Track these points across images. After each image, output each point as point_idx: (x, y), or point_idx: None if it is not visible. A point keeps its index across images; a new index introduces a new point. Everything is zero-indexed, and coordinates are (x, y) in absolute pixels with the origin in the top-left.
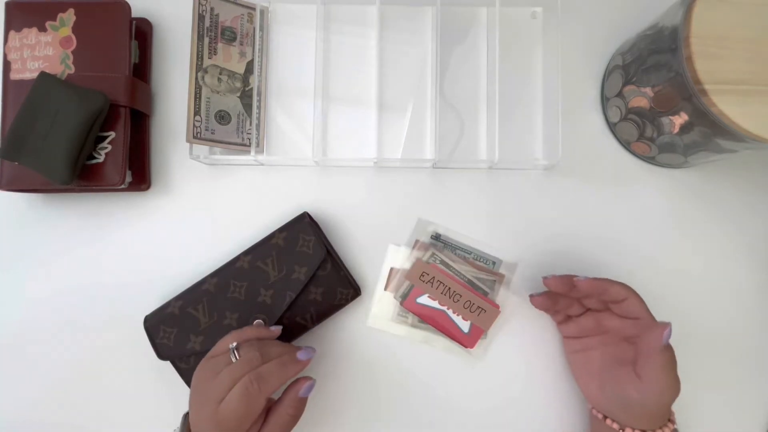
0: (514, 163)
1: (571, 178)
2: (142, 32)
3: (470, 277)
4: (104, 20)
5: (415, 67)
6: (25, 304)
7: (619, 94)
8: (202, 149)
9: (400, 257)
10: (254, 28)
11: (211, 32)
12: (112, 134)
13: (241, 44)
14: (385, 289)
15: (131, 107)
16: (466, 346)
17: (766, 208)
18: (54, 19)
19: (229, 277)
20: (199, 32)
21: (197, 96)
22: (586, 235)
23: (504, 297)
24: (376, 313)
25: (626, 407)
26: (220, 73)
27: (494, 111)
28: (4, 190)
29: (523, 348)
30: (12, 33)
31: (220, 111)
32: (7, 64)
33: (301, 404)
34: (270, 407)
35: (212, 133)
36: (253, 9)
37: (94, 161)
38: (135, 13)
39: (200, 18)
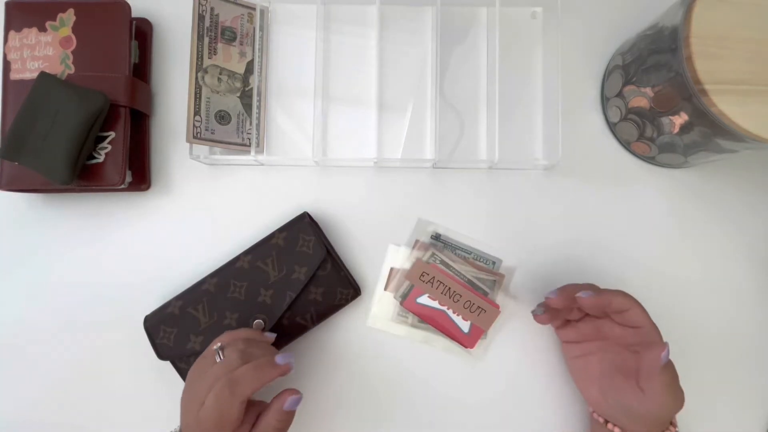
0: (514, 163)
1: (571, 178)
2: (142, 32)
3: (470, 277)
4: (104, 20)
5: (415, 67)
6: (25, 304)
7: (619, 94)
8: (202, 149)
9: (400, 257)
10: (254, 28)
11: (211, 32)
12: (112, 134)
13: (241, 44)
14: (385, 289)
15: (131, 107)
16: (466, 346)
17: (766, 208)
18: (54, 19)
19: (229, 277)
20: (199, 32)
21: (197, 96)
22: (586, 235)
23: (504, 297)
24: (376, 313)
25: (628, 413)
26: (220, 73)
27: (494, 111)
28: (4, 190)
29: (523, 348)
30: (12, 33)
31: (220, 111)
32: (7, 64)
33: (286, 417)
34: (261, 412)
35: (212, 133)
36: (253, 9)
37: (94, 161)
38: (135, 13)
39: (200, 18)
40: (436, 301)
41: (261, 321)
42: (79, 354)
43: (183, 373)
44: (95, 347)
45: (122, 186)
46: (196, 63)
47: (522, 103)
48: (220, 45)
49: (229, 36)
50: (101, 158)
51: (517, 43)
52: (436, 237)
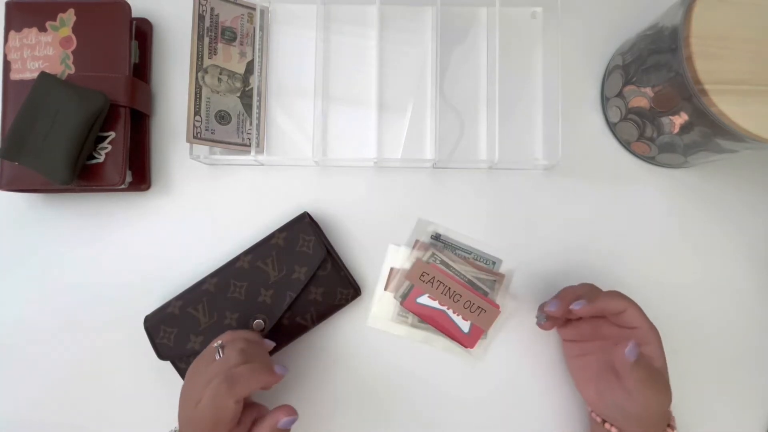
0: (514, 163)
1: (571, 178)
2: (142, 32)
3: (470, 277)
4: (104, 20)
5: (415, 67)
6: (25, 304)
7: (619, 94)
8: (202, 149)
9: (400, 257)
10: (254, 28)
11: (211, 32)
12: (112, 134)
13: (241, 44)
14: (385, 289)
15: (131, 107)
16: (466, 346)
17: (766, 208)
18: (54, 19)
19: (229, 277)
20: (199, 32)
21: (197, 96)
22: (586, 235)
23: (504, 297)
24: (376, 313)
25: (622, 413)
26: (220, 73)
27: (494, 111)
28: (4, 190)
29: (523, 348)
30: (12, 33)
31: (220, 111)
32: (7, 64)
33: None
34: (257, 419)
35: (212, 133)
36: (253, 9)
37: (94, 161)
38: (135, 13)
39: (200, 18)
40: (436, 301)
41: (261, 321)
42: (79, 354)
43: (183, 373)
44: (95, 347)
45: (122, 186)
46: (196, 63)
47: (522, 103)
48: (220, 45)
49: (229, 36)
50: (101, 158)
51: (517, 43)
52: (436, 237)
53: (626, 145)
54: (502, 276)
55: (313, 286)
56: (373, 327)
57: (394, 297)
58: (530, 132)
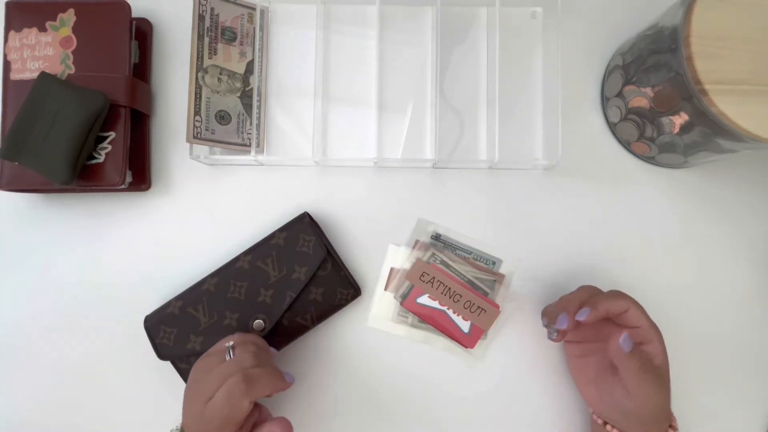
0: (514, 163)
1: (571, 178)
2: (142, 32)
3: (470, 277)
4: (104, 20)
5: (415, 67)
6: (25, 304)
7: (619, 94)
8: (202, 149)
9: (400, 257)
10: (254, 28)
11: (211, 32)
12: (112, 134)
13: (241, 44)
14: (385, 289)
15: (131, 107)
16: (466, 346)
17: (766, 208)
18: (54, 19)
19: (229, 277)
20: (199, 32)
21: (197, 96)
22: (586, 235)
23: (504, 297)
24: (376, 313)
25: (623, 414)
26: (220, 73)
27: (494, 111)
28: (4, 190)
29: (523, 348)
30: (12, 33)
31: (220, 111)
32: (7, 64)
33: None
34: (255, 424)
35: (212, 133)
36: (253, 9)
37: (94, 161)
38: (135, 13)
39: (200, 18)
40: (436, 301)
41: (261, 321)
42: (79, 354)
43: (183, 374)
44: (95, 347)
45: (122, 186)
46: (196, 63)
47: (522, 103)
48: (220, 45)
49: (229, 36)
50: (101, 158)
51: (517, 43)
52: (436, 237)
53: (626, 145)
54: (502, 276)
55: (313, 286)
56: (373, 327)
57: (394, 297)
58: (530, 132)
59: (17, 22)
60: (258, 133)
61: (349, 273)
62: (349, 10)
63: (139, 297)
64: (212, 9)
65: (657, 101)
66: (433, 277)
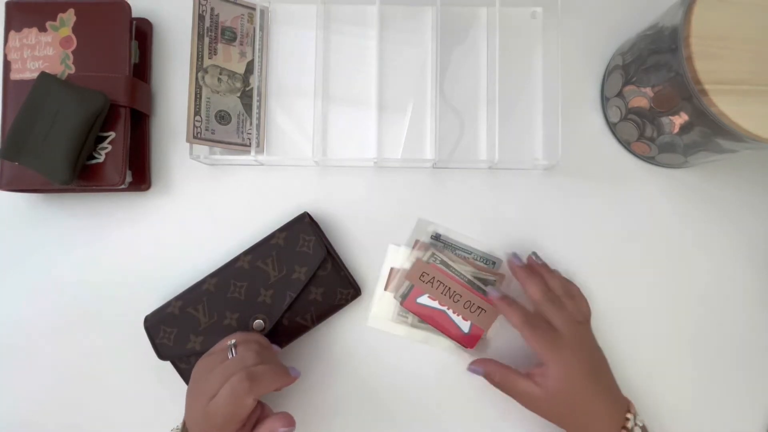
0: (514, 163)
1: (571, 178)
2: (142, 32)
3: (470, 277)
4: (104, 20)
5: (415, 67)
6: (25, 304)
7: (619, 94)
8: (202, 149)
9: (400, 257)
10: (254, 28)
11: (211, 32)
12: (112, 134)
13: (241, 44)
14: (385, 289)
15: (131, 107)
16: (465, 347)
17: (766, 208)
18: (54, 19)
19: (229, 277)
20: (199, 32)
21: (197, 96)
22: (586, 234)
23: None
24: (376, 313)
25: (560, 417)
26: (220, 73)
27: (494, 111)
28: (4, 190)
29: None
30: (12, 33)
31: (220, 111)
32: (7, 64)
33: None
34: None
35: (212, 133)
36: (253, 9)
37: (94, 161)
38: (135, 13)
39: (200, 18)
40: (436, 301)
41: (261, 321)
42: (80, 354)
43: (183, 374)
44: (95, 347)
45: (122, 186)
46: (196, 63)
47: (522, 103)
48: (220, 45)
49: (229, 36)
50: (101, 158)
51: (517, 43)
52: (436, 237)
53: (626, 145)
54: (502, 276)
55: (313, 286)
56: (373, 327)
57: (394, 297)
58: (530, 132)
59: (17, 22)
60: (258, 133)
61: (349, 273)
62: (349, 10)
63: (139, 297)
64: (212, 9)
65: (657, 101)
66: (433, 277)
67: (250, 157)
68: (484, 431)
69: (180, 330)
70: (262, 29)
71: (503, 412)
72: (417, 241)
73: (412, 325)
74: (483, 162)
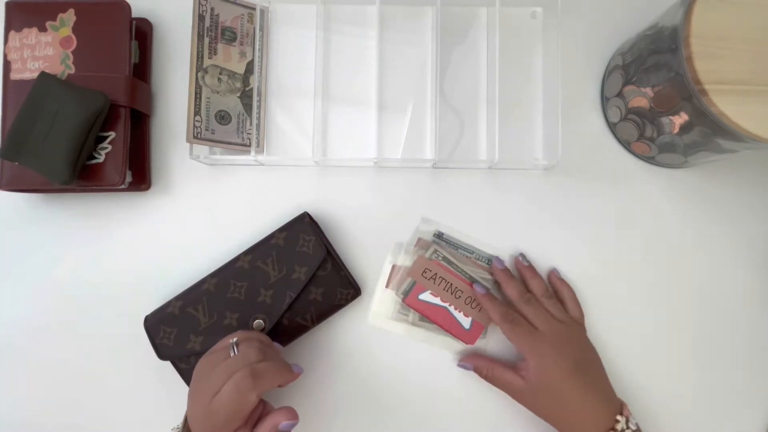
0: (514, 163)
1: (571, 178)
2: (142, 32)
3: (472, 274)
4: (104, 20)
5: (415, 67)
6: (25, 304)
7: (619, 94)
8: (202, 149)
9: (402, 254)
10: (254, 28)
11: (211, 32)
12: (112, 134)
13: (241, 44)
14: (387, 286)
15: (131, 107)
16: (466, 343)
17: (766, 208)
18: (54, 19)
19: (229, 277)
20: (199, 32)
21: (197, 96)
22: (586, 234)
23: (504, 297)
24: (377, 311)
25: (547, 412)
26: (220, 73)
27: (494, 111)
28: (4, 190)
29: None
30: (12, 33)
31: (220, 111)
32: (7, 64)
33: None
34: (259, 418)
35: (212, 133)
36: (253, 9)
37: (94, 161)
38: (135, 13)
39: (200, 18)
40: (438, 298)
41: (261, 321)
42: (80, 354)
43: (183, 373)
44: (95, 347)
45: (122, 186)
46: (196, 63)
47: (522, 103)
48: (220, 45)
49: (229, 36)
50: (101, 158)
51: (517, 43)
52: (439, 236)
53: (626, 145)
54: None
55: (313, 286)
56: (373, 324)
57: (396, 294)
58: (530, 132)
59: (17, 22)
60: (258, 133)
61: (349, 273)
62: (349, 10)
63: (139, 297)
64: (212, 9)
65: (657, 101)
66: (435, 274)
67: (250, 157)
68: (484, 430)
69: (180, 330)
70: (262, 29)
71: (503, 411)
72: (419, 240)
73: (413, 323)
74: (483, 162)
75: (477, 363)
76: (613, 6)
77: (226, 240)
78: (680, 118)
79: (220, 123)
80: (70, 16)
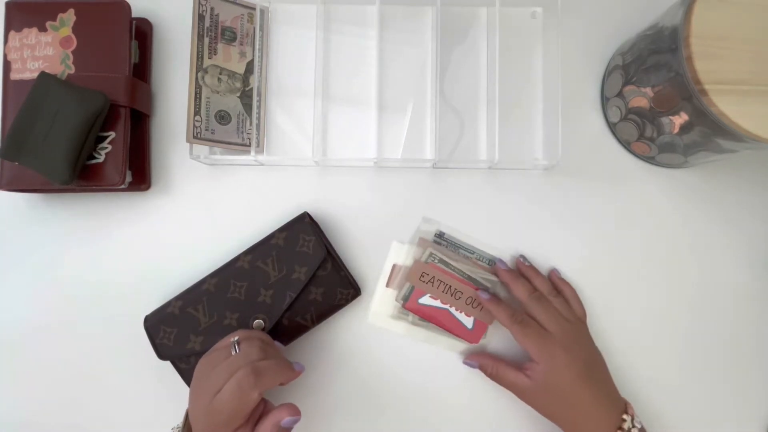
0: (514, 163)
1: (571, 178)
2: (142, 32)
3: (469, 273)
4: (104, 20)
5: (415, 67)
6: (25, 304)
7: (619, 94)
8: (202, 149)
9: (403, 254)
10: (254, 28)
11: (211, 32)
12: (112, 134)
13: (241, 44)
14: (387, 285)
15: (131, 107)
16: (470, 342)
17: (766, 208)
18: (54, 19)
19: (229, 277)
20: (199, 32)
21: (197, 96)
22: (586, 234)
23: (505, 297)
24: (377, 311)
25: (553, 412)
26: (220, 73)
27: (494, 111)
28: (4, 190)
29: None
30: (12, 33)
31: (220, 111)
32: (7, 64)
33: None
34: (261, 416)
35: (212, 133)
36: (253, 9)
37: (94, 161)
38: (135, 13)
39: (200, 18)
40: (438, 300)
41: (261, 321)
42: (80, 354)
43: (183, 373)
44: (95, 347)
45: (122, 186)
46: (196, 63)
47: (522, 103)
48: (220, 45)
49: (229, 36)
50: (101, 158)
51: (517, 43)
52: (440, 235)
53: (626, 145)
54: None
55: (313, 286)
56: (373, 324)
57: (396, 300)
58: (530, 132)
59: (17, 22)
60: (258, 133)
61: (349, 273)
62: (349, 10)
63: (139, 297)
64: (212, 9)
65: (657, 101)
66: (433, 277)
67: (250, 157)
68: (485, 429)
69: (180, 330)
70: (262, 29)
71: (504, 410)
72: (421, 239)
73: (413, 323)
74: (483, 162)
75: (482, 361)
76: (613, 6)
77: (226, 240)
78: (680, 118)
79: (220, 123)
80: (70, 16)
